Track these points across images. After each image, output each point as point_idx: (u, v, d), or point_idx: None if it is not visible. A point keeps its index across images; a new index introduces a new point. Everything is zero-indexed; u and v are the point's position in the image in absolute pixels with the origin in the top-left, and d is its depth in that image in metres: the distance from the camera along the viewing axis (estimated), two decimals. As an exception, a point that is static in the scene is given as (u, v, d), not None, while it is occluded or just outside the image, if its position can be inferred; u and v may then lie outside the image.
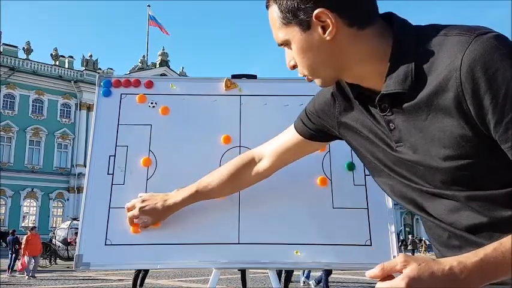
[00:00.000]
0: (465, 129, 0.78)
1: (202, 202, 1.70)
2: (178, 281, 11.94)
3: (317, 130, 1.24)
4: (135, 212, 1.56)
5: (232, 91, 1.86)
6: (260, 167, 1.43)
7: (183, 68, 44.06)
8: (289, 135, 1.32)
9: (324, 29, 0.87)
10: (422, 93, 0.82)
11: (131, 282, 9.00)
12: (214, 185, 1.49)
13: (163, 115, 1.82)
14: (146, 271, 9.14)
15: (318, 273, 9.23)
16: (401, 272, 0.74)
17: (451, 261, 0.74)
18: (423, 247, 35.68)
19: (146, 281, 9.65)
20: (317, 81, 0.98)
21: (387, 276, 0.76)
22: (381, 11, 0.93)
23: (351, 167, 1.75)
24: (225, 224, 1.68)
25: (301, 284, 11.44)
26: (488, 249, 0.74)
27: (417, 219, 54.98)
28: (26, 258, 13.39)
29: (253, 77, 1.91)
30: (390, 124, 0.90)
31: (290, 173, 1.74)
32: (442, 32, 0.82)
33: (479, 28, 0.79)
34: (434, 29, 0.84)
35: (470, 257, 0.74)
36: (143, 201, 1.56)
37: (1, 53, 33.97)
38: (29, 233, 14.53)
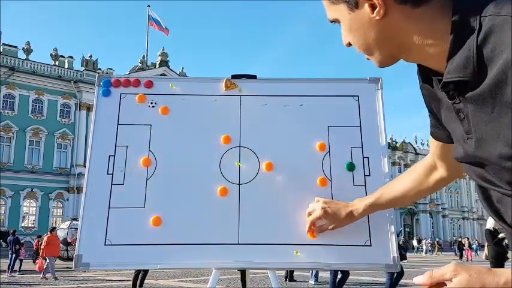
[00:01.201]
0: None
1: (202, 202, 1.70)
2: (178, 281, 11.94)
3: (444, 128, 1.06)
4: (318, 213, 1.54)
5: (232, 91, 1.86)
6: (441, 174, 1.28)
7: (182, 68, 44.06)
8: (434, 143, 1.17)
9: (373, 7, 0.80)
10: (485, 82, 0.72)
11: (131, 283, 9.00)
12: (397, 195, 1.41)
13: (163, 115, 1.82)
14: (146, 271, 9.13)
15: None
16: (451, 281, 0.68)
17: (507, 274, 0.66)
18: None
19: (146, 281, 9.65)
20: (373, 61, 0.90)
21: (435, 285, 0.70)
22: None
23: (351, 167, 1.75)
24: (225, 224, 1.68)
25: (312, 283, 11.59)
26: None
27: (417, 219, 54.89)
28: (46, 259, 13.32)
29: (253, 77, 1.91)
30: (460, 113, 0.81)
31: (290, 173, 1.74)
32: (505, 9, 0.72)
33: None
34: (498, 6, 0.73)
35: None
36: (325, 203, 1.54)
37: (1, 53, 33.97)
38: (49, 233, 14.54)
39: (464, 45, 0.75)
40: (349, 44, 0.91)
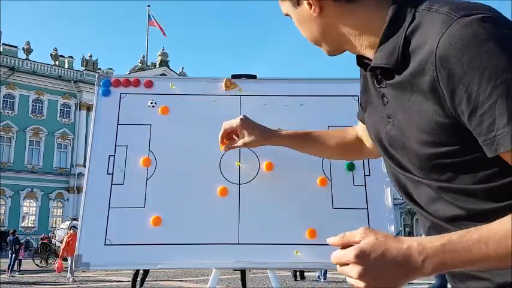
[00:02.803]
0: (440, 116, 0.74)
1: (202, 202, 1.70)
2: (178, 281, 11.94)
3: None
4: (235, 122, 1.44)
5: (232, 91, 1.86)
6: (365, 147, 1.27)
7: (182, 68, 44.04)
8: (361, 124, 1.20)
9: (311, 5, 0.88)
10: (406, 71, 0.78)
11: (131, 283, 9.00)
12: (323, 146, 1.35)
13: (163, 115, 1.82)
14: (146, 271, 9.13)
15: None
16: (360, 243, 0.72)
17: (411, 241, 0.70)
18: None
19: (146, 281, 9.65)
20: (323, 51, 0.97)
21: (347, 246, 0.73)
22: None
23: (351, 167, 1.75)
24: (225, 224, 1.68)
25: (322, 280, 11.79)
26: (453, 236, 0.69)
27: (417, 219, 54.93)
28: (66, 259, 12.94)
29: (253, 77, 1.91)
30: (384, 98, 0.87)
31: (290, 173, 1.74)
32: (437, 6, 0.77)
33: (470, 7, 0.73)
34: (434, 3, 0.78)
35: (433, 240, 0.69)
36: (246, 117, 1.45)
37: (1, 53, 33.94)
38: (69, 232, 14.14)
39: (395, 35, 0.81)
40: None
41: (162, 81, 1.91)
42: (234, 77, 1.89)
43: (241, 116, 1.46)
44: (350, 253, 0.70)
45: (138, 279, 8.95)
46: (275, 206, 1.70)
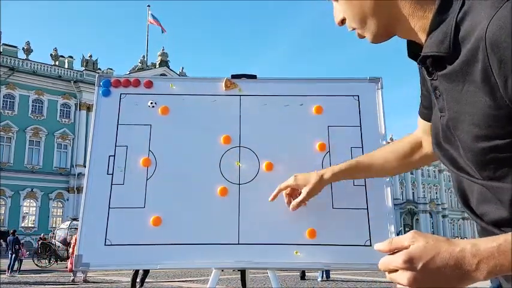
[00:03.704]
0: (492, 107, 0.68)
1: (202, 202, 1.70)
2: (178, 281, 11.94)
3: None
4: (290, 181, 1.54)
5: (232, 91, 1.86)
6: (426, 151, 1.23)
7: (182, 68, 44.06)
8: (422, 121, 1.14)
9: None
10: (458, 60, 0.72)
11: (130, 283, 9.00)
12: (376, 163, 1.37)
13: (163, 115, 1.82)
14: (146, 271, 9.13)
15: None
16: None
17: (464, 243, 0.66)
18: None
19: (146, 280, 9.65)
20: (367, 36, 0.90)
21: (394, 252, 0.70)
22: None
23: (351, 167, 1.75)
24: (225, 224, 1.68)
25: (319, 279, 11.87)
26: (509, 237, 0.64)
27: (417, 219, 54.91)
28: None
29: (253, 77, 1.91)
30: (436, 91, 0.82)
31: (290, 173, 1.74)
32: None
33: None
34: None
35: (487, 242, 0.64)
36: (296, 175, 1.54)
37: (1, 53, 33.95)
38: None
39: (445, 21, 0.75)
40: (341, 23, 0.92)
41: (162, 82, 1.91)
42: (234, 77, 1.89)
43: (294, 175, 1.54)
44: (398, 259, 0.67)
45: (138, 279, 8.96)
46: (275, 206, 1.69)
